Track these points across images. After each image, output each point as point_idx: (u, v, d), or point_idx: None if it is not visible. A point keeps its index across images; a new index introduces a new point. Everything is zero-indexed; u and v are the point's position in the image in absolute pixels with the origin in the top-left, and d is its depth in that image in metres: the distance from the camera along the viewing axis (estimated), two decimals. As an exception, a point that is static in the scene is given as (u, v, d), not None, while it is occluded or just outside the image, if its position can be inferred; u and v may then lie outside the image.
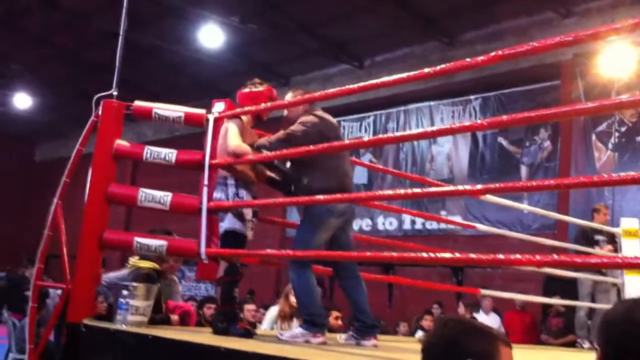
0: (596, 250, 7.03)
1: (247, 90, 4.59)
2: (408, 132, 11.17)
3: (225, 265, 4.31)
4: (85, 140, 4.78)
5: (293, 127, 4.26)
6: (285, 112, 4.58)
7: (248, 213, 4.32)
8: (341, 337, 4.48)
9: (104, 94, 4.68)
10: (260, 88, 4.59)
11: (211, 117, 4.53)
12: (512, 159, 12.01)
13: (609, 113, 10.34)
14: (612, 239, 7.17)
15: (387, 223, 13.35)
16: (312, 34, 13.27)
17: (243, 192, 4.32)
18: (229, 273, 4.30)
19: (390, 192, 4.50)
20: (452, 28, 12.42)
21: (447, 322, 1.93)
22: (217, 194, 4.35)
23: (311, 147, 4.02)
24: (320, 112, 4.39)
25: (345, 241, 4.37)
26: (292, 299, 6.29)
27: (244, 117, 4.44)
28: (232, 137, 4.28)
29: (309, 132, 4.20)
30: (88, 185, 4.57)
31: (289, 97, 4.50)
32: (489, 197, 5.66)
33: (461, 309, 9.38)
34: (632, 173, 2.77)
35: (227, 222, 4.27)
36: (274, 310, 6.72)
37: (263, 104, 4.50)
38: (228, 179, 4.33)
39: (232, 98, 4.79)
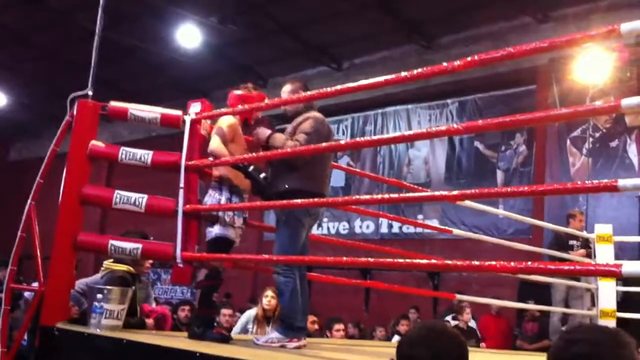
0: (570, 255, 7.09)
1: (239, 92, 4.54)
2: (385, 135, 11.22)
3: (205, 270, 4.28)
4: (60, 140, 4.71)
5: (307, 127, 4.21)
6: (282, 106, 4.53)
7: (239, 220, 4.29)
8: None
9: (79, 93, 4.62)
10: (253, 92, 4.55)
11: (188, 118, 4.48)
12: (488, 163, 12.10)
13: (583, 119, 10.46)
14: (586, 245, 7.24)
15: (364, 226, 13.37)
16: (291, 36, 13.25)
17: (236, 199, 4.30)
18: (209, 277, 4.26)
19: (367, 196, 4.48)
20: (430, 32, 12.49)
21: (420, 327, 1.99)
22: (208, 199, 4.32)
23: (287, 149, 4.01)
24: (318, 115, 4.36)
25: (305, 242, 4.36)
26: (264, 302, 6.28)
27: (234, 120, 4.40)
28: (214, 139, 4.25)
29: (320, 131, 4.20)
30: (62, 186, 4.50)
31: (287, 89, 4.46)
32: (466, 202, 5.69)
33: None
34: (605, 180, 2.78)
35: (218, 228, 4.24)
36: (246, 315, 6.67)
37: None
38: (223, 184, 4.30)
39: (210, 98, 4.76)
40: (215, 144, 4.22)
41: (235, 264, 5.05)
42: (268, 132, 4.23)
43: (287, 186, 4.16)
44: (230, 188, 4.30)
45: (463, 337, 1.99)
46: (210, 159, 4.26)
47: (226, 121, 4.36)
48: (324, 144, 4.05)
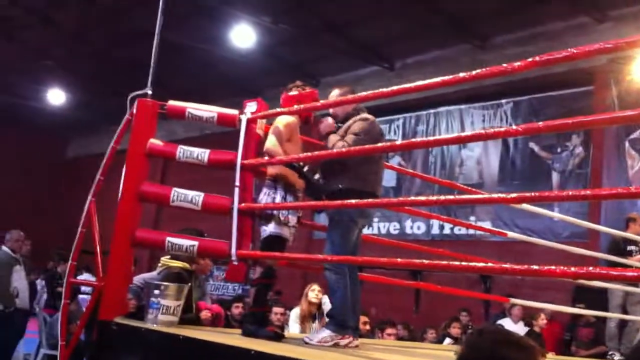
0: (628, 260, 6.91)
1: (292, 93, 4.59)
2: (438, 135, 11.11)
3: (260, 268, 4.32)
4: (120, 138, 4.83)
5: (356, 128, 4.24)
6: (331, 110, 4.56)
7: (293, 219, 4.32)
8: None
9: (138, 92, 4.72)
10: (306, 90, 4.59)
11: (244, 118, 4.54)
12: (543, 164, 11.86)
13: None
14: (645, 251, 7.06)
15: (415, 227, 13.28)
16: (342, 35, 13.26)
17: (290, 198, 4.33)
18: (265, 275, 4.31)
19: (420, 198, 4.46)
20: (484, 31, 12.32)
21: (482, 332, 1.91)
22: (263, 197, 4.35)
23: (343, 149, 4.03)
24: (370, 116, 4.41)
25: (357, 242, 4.37)
26: (311, 295, 6.31)
27: (292, 119, 4.43)
28: (270, 138, 4.30)
29: (371, 132, 4.26)
30: (122, 183, 4.60)
31: (335, 94, 4.50)
32: (521, 205, 5.60)
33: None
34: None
35: (272, 227, 4.28)
36: (294, 312, 6.72)
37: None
38: (278, 182, 4.34)
39: (263, 97, 4.80)
40: (271, 143, 4.27)
41: (288, 263, 5.10)
42: (333, 127, 4.30)
43: (340, 186, 4.19)
44: (285, 187, 4.34)
45: (532, 342, 1.91)
46: (266, 157, 4.30)
47: (284, 120, 4.40)
48: (376, 145, 4.08)
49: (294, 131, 4.43)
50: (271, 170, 4.42)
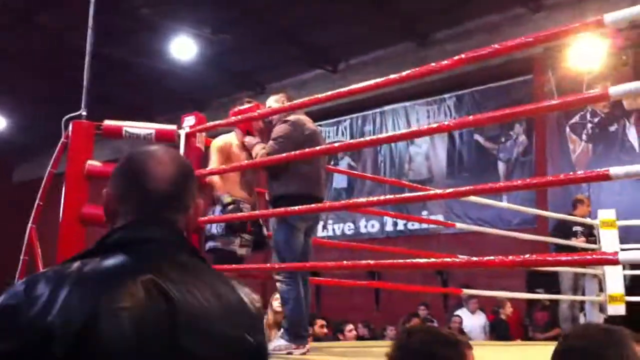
0: (573, 241, 7.07)
1: (236, 109, 4.62)
2: (384, 134, 11.21)
3: None
4: (57, 161, 4.76)
5: (277, 132, 4.26)
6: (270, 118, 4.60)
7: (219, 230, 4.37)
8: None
9: (72, 115, 4.65)
10: (248, 105, 4.62)
11: (182, 132, 4.52)
12: (489, 155, 12.08)
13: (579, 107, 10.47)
14: (590, 231, 7.22)
15: (369, 226, 13.36)
16: (285, 41, 13.26)
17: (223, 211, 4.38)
18: None
19: (368, 199, 4.51)
20: (424, 28, 12.47)
21: (410, 333, 1.96)
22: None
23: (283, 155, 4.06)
24: (294, 117, 4.35)
25: (306, 247, 4.36)
26: (275, 305, 6.29)
27: (225, 141, 4.47)
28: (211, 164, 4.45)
29: (291, 135, 4.22)
30: (62, 206, 4.53)
31: (271, 99, 4.53)
32: (470, 197, 5.69)
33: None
34: (599, 169, 2.78)
35: (211, 241, 4.31)
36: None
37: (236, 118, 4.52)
38: (223, 196, 4.40)
39: (209, 108, 4.82)
40: (212, 178, 4.43)
41: (239, 274, 5.07)
42: (254, 140, 4.31)
43: (272, 193, 4.22)
44: (223, 206, 4.40)
45: (459, 337, 1.97)
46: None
47: (215, 145, 4.55)
48: (317, 148, 4.09)
49: (229, 152, 4.49)
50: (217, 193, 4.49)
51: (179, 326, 1.17)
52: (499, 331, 9.18)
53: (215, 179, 4.39)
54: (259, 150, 4.23)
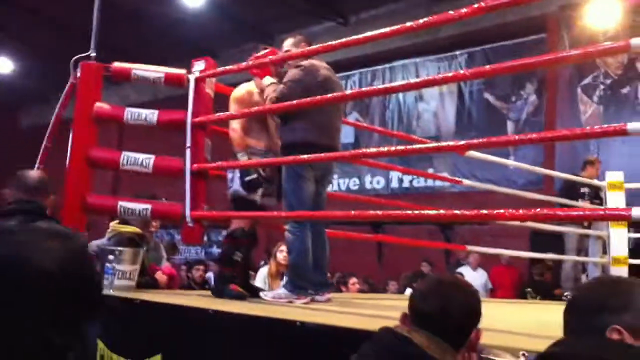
0: (580, 203, 7.05)
1: (253, 57, 4.50)
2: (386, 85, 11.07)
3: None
4: (65, 103, 4.72)
5: (288, 76, 4.14)
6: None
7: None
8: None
9: (81, 55, 4.59)
10: (263, 52, 4.50)
11: (192, 77, 4.47)
12: (498, 114, 11.98)
13: (593, 66, 10.32)
14: (597, 194, 7.19)
15: (374, 182, 13.35)
16: (295, -8, 13.07)
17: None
18: (230, 236, 4.29)
19: (375, 149, 4.42)
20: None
21: (441, 280, 1.98)
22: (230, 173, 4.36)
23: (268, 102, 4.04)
24: (308, 62, 4.18)
25: (319, 198, 4.27)
26: (279, 257, 6.28)
27: (242, 91, 4.40)
28: (230, 126, 4.34)
29: (303, 80, 4.09)
30: (69, 148, 4.51)
31: (288, 43, 4.36)
32: (475, 154, 5.62)
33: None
34: (618, 124, 2.74)
35: (235, 186, 4.26)
36: (263, 271, 6.71)
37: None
38: (239, 153, 4.28)
39: (219, 58, 4.75)
40: (231, 133, 4.32)
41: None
42: (268, 81, 4.19)
43: (282, 140, 4.15)
44: (248, 156, 4.29)
45: (475, 288, 1.98)
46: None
47: (233, 96, 4.40)
48: (317, 94, 3.91)
49: (249, 101, 4.35)
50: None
51: None
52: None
53: (232, 133, 4.26)
54: (270, 92, 4.10)
